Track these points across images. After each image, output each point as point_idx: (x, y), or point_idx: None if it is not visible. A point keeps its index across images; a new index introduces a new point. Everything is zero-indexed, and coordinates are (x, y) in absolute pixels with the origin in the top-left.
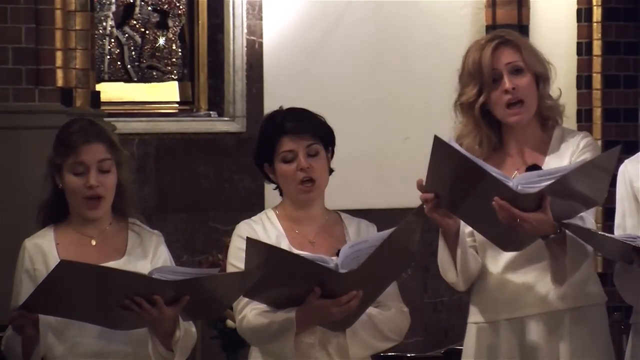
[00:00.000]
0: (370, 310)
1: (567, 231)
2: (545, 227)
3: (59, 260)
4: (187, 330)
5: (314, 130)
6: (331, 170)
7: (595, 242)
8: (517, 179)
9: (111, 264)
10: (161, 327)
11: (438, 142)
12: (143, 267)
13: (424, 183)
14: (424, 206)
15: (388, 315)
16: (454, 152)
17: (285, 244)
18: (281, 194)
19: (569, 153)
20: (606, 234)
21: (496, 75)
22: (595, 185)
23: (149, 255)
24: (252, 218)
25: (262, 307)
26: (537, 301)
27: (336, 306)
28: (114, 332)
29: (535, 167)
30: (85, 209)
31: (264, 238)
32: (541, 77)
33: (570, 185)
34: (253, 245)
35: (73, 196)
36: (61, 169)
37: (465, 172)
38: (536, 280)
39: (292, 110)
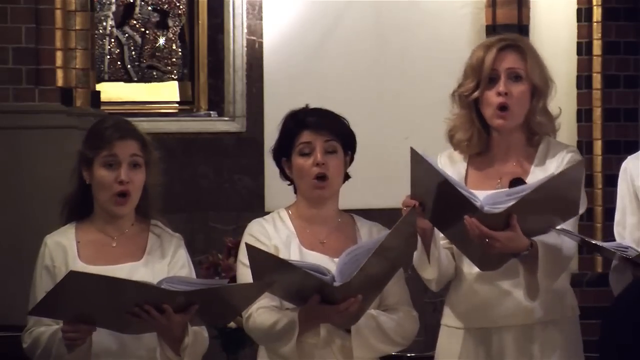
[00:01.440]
0: (378, 313)
1: (539, 247)
2: (516, 244)
3: (78, 259)
4: (198, 336)
5: (334, 127)
6: (348, 176)
7: (589, 247)
8: (485, 199)
9: (129, 265)
10: (169, 333)
11: (414, 155)
12: (161, 269)
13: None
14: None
15: (395, 318)
16: (428, 166)
17: (295, 243)
18: (295, 192)
19: (553, 166)
20: (598, 243)
21: (494, 76)
22: (566, 198)
23: (167, 258)
24: (265, 217)
25: (268, 305)
26: (510, 313)
27: (335, 312)
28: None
29: (519, 180)
30: (112, 205)
31: (274, 237)
32: (538, 91)
33: (537, 202)
34: (253, 252)
35: (102, 190)
36: (92, 163)
37: (438, 187)
38: (510, 291)
39: (317, 108)
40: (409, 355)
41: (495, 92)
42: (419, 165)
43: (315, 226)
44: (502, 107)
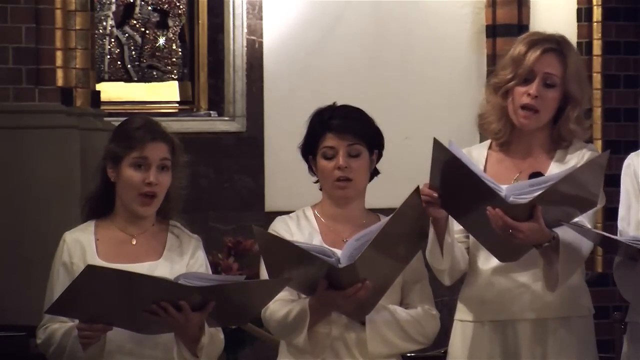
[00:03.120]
0: (395, 308)
1: (560, 239)
2: (539, 235)
3: (96, 256)
4: (214, 337)
5: (358, 130)
6: (377, 172)
7: (597, 241)
8: (508, 189)
9: (148, 264)
10: (187, 332)
11: (437, 145)
12: (179, 269)
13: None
14: (422, 200)
15: (414, 314)
16: (451, 156)
17: (317, 240)
18: (321, 189)
19: (573, 163)
20: (611, 235)
21: (530, 76)
22: (587, 190)
23: (185, 258)
24: (290, 214)
25: (285, 298)
26: (525, 307)
27: (342, 298)
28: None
29: (538, 174)
30: (138, 205)
31: (296, 233)
32: (572, 99)
33: (561, 193)
34: (260, 235)
35: (128, 190)
36: (120, 162)
37: (461, 177)
38: (526, 285)
39: (343, 108)
40: (409, 354)
41: (526, 92)
42: (441, 155)
43: (339, 225)
44: (528, 108)
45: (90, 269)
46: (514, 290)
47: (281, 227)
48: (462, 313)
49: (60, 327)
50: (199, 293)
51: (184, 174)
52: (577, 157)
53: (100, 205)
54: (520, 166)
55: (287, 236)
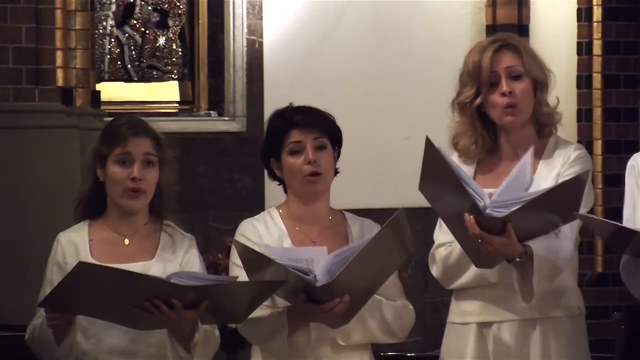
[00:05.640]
0: (381, 299)
1: (534, 254)
2: (509, 250)
3: (90, 256)
4: (209, 334)
5: (322, 124)
6: (336, 171)
7: (609, 234)
8: (492, 201)
9: (141, 264)
10: (180, 329)
11: (428, 145)
12: (172, 269)
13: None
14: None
15: (395, 306)
16: (440, 157)
17: (287, 242)
18: (285, 192)
19: (559, 163)
20: (626, 226)
21: (494, 78)
22: (568, 203)
23: (179, 257)
24: (255, 217)
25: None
26: (509, 308)
27: (320, 312)
28: (139, 331)
29: None
30: (125, 199)
31: (265, 236)
32: (539, 84)
33: (540, 207)
34: (241, 249)
35: (115, 187)
36: (106, 160)
37: (447, 179)
38: (509, 287)
39: (302, 106)
40: (409, 355)
41: (499, 94)
42: (432, 156)
43: (306, 225)
44: (509, 106)
45: (82, 266)
46: (499, 292)
47: (249, 230)
48: (452, 315)
49: (42, 321)
50: (192, 292)
51: (173, 169)
52: (564, 157)
53: (93, 205)
54: (509, 169)
55: (255, 239)
